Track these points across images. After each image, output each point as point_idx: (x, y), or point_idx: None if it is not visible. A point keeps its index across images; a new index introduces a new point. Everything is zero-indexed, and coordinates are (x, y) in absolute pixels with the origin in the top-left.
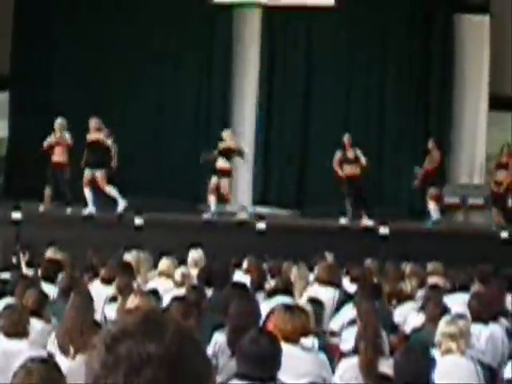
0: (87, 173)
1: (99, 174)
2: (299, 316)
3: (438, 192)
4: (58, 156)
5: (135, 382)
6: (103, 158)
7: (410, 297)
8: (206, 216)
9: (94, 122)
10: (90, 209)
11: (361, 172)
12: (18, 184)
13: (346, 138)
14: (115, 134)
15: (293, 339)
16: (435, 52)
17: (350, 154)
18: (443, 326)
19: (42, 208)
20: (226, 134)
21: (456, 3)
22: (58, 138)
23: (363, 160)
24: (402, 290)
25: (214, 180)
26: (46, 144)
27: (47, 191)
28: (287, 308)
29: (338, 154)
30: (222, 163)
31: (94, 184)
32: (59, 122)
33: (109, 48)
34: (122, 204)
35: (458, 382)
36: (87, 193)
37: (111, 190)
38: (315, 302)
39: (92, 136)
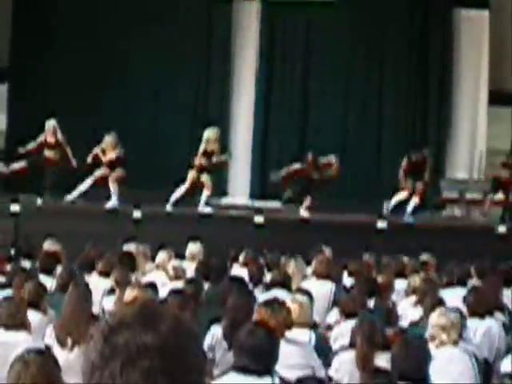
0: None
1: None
2: (280, 310)
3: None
4: (49, 153)
5: (132, 372)
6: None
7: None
8: (201, 209)
9: (110, 141)
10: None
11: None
12: (16, 177)
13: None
14: (115, 126)
15: (278, 333)
16: (434, 47)
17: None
18: (435, 318)
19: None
20: (210, 134)
21: None
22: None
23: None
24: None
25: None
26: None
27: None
28: (267, 304)
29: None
30: (202, 161)
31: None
32: (52, 123)
33: (107, 38)
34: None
35: (453, 373)
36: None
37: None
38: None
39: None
